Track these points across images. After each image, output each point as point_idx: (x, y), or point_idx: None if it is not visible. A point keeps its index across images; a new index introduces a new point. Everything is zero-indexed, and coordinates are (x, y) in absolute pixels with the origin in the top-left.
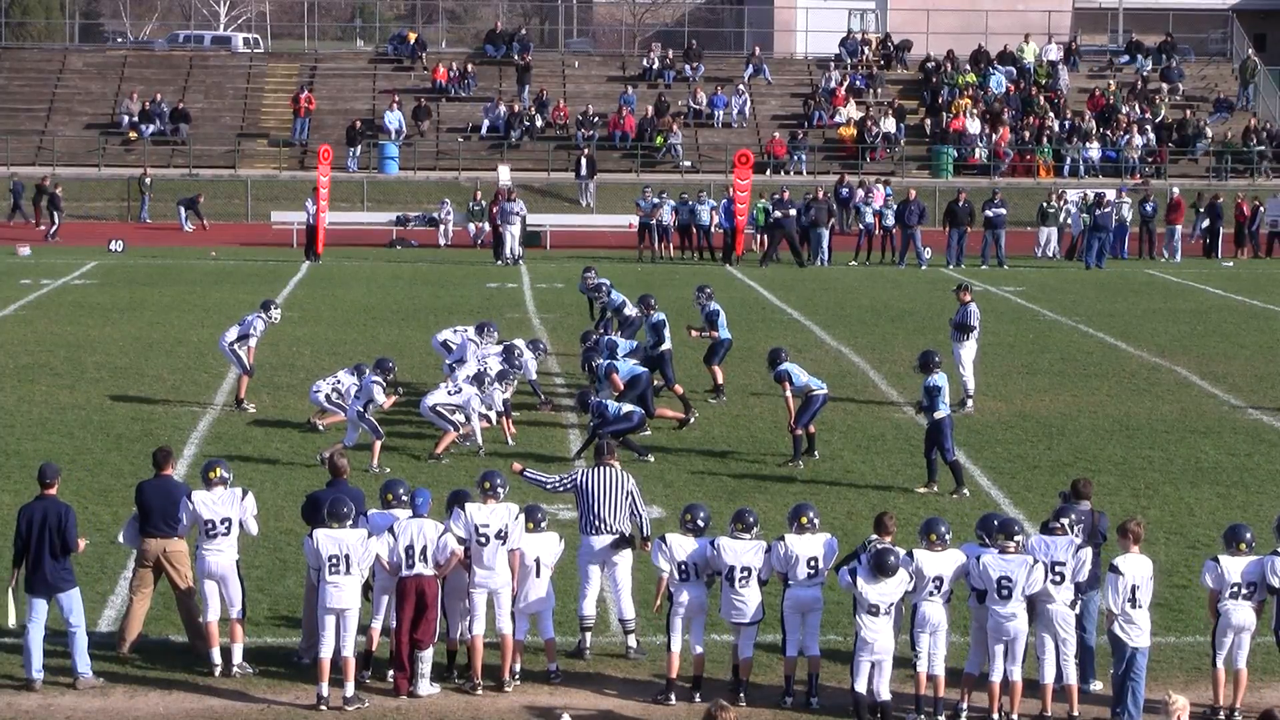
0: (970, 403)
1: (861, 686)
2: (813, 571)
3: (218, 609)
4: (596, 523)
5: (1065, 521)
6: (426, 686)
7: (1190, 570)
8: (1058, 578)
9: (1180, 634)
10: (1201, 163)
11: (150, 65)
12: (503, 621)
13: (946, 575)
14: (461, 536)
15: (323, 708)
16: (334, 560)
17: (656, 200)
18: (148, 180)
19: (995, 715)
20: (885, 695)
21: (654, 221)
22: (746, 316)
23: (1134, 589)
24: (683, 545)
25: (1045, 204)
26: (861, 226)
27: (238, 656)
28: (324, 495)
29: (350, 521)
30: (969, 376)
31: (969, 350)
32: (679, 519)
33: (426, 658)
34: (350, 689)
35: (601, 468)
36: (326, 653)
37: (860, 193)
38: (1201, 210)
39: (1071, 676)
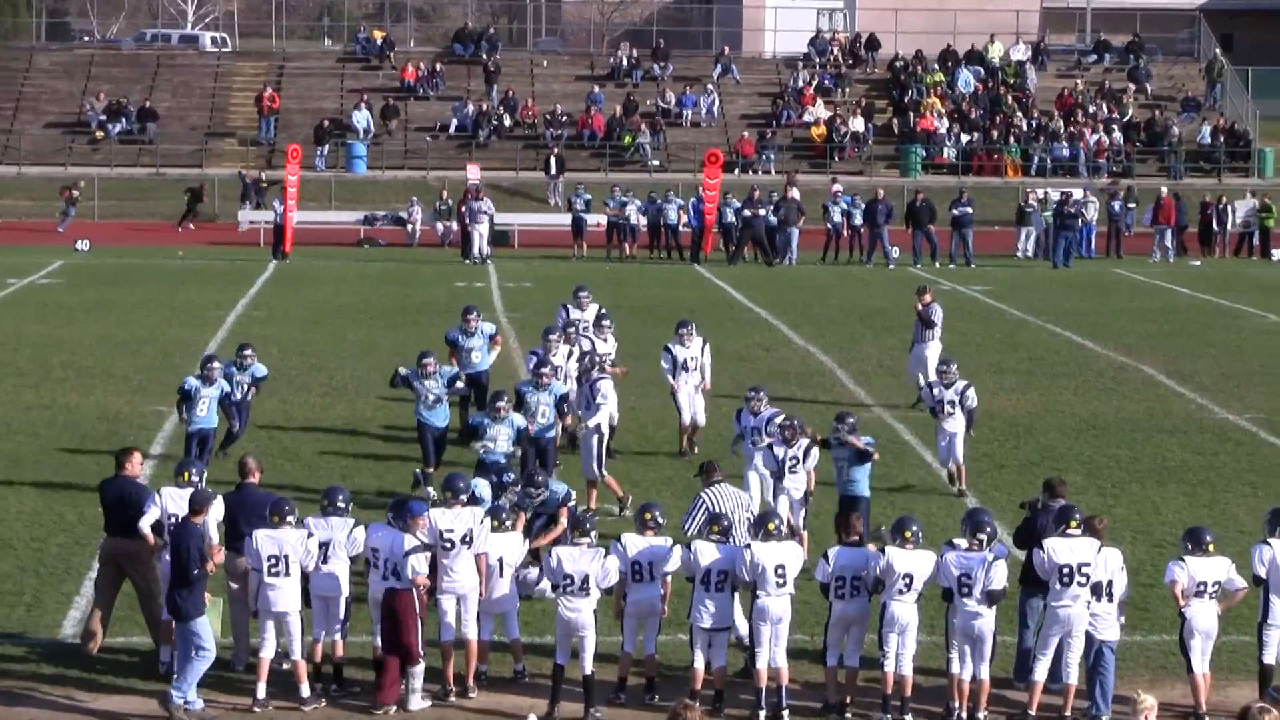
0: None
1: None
2: (781, 580)
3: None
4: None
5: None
6: (417, 701)
7: (1156, 570)
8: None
9: (1147, 633)
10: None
11: (117, 64)
12: (468, 627)
13: (917, 574)
14: (427, 542)
15: (257, 709)
16: (273, 560)
17: (624, 199)
18: (77, 192)
19: (963, 714)
20: (588, 669)
21: (622, 221)
22: (715, 315)
23: (1101, 583)
24: (634, 544)
25: (1024, 204)
26: (829, 226)
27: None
28: (231, 498)
29: (289, 521)
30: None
31: (934, 350)
32: (635, 518)
33: (416, 673)
34: (305, 690)
35: (721, 485)
36: (267, 653)
37: (794, 192)
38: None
39: (1040, 674)
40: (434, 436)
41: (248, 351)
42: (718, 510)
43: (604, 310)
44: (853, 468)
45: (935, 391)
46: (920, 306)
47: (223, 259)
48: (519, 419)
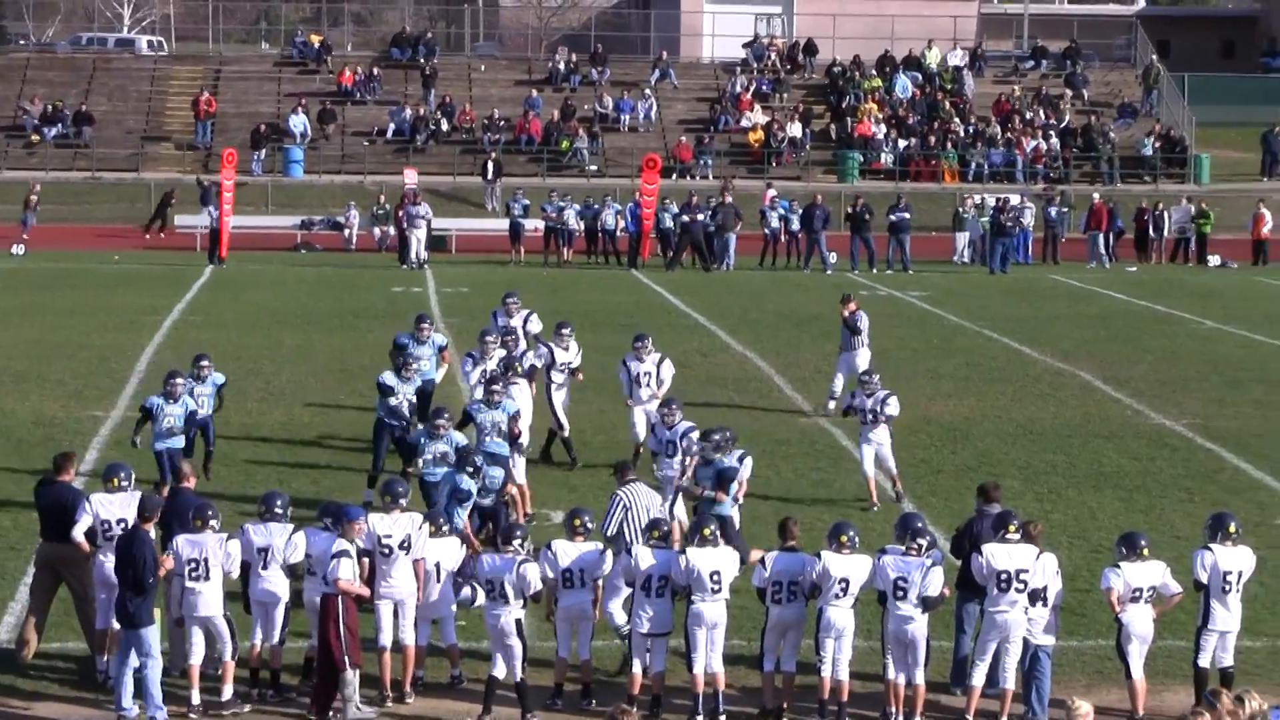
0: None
1: (497, 672)
2: (716, 586)
3: (111, 617)
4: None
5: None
6: (354, 710)
7: (1092, 575)
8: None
9: (1083, 638)
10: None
11: (53, 67)
12: (406, 632)
13: (853, 579)
14: (364, 549)
15: (193, 716)
16: (193, 565)
17: (561, 204)
18: (35, 197)
19: (899, 717)
20: (519, 676)
21: (559, 225)
22: (653, 320)
23: (1038, 589)
24: (566, 552)
25: (960, 209)
26: (766, 231)
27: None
28: (166, 503)
29: (212, 525)
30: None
31: (864, 356)
32: (565, 524)
33: (348, 679)
34: (228, 692)
35: (635, 484)
36: (196, 659)
37: (730, 197)
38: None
39: (978, 680)
40: (392, 438)
41: (204, 363)
42: (640, 511)
43: (556, 320)
44: (716, 489)
45: (856, 400)
46: (846, 314)
47: (159, 263)
48: (459, 436)
